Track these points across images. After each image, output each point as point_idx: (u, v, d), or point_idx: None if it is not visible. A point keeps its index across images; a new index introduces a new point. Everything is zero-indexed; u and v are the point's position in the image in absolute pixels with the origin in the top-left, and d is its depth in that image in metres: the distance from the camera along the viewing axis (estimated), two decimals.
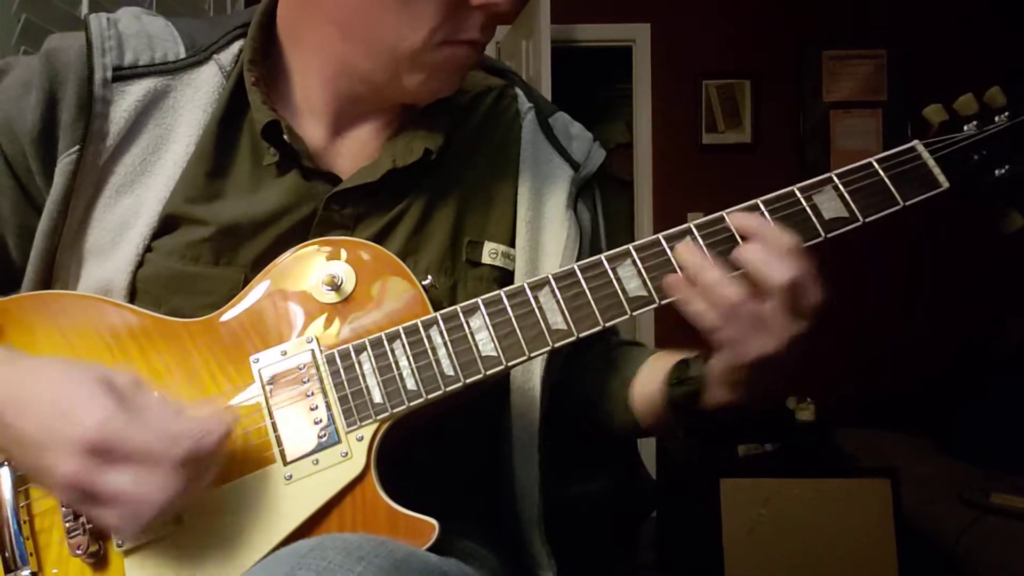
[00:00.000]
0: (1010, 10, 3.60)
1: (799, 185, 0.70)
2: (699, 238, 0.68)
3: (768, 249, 0.65)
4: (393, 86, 0.77)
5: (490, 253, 0.82)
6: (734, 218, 0.68)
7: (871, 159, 0.70)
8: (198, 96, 0.78)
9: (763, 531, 2.40)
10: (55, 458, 0.57)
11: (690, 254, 0.67)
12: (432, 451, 0.78)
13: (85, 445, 0.57)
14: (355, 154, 0.81)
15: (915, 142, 0.72)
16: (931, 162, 0.71)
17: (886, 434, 3.11)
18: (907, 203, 0.70)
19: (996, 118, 0.71)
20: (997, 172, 0.71)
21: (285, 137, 0.76)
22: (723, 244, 0.68)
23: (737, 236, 0.68)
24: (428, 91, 0.78)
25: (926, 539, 2.41)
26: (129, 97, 0.75)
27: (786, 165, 3.74)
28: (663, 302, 0.68)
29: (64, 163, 0.73)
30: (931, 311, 3.73)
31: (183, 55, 0.78)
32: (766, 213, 0.69)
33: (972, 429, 2.87)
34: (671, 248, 0.69)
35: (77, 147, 0.73)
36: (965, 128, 0.72)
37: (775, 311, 0.64)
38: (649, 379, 0.82)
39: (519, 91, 0.92)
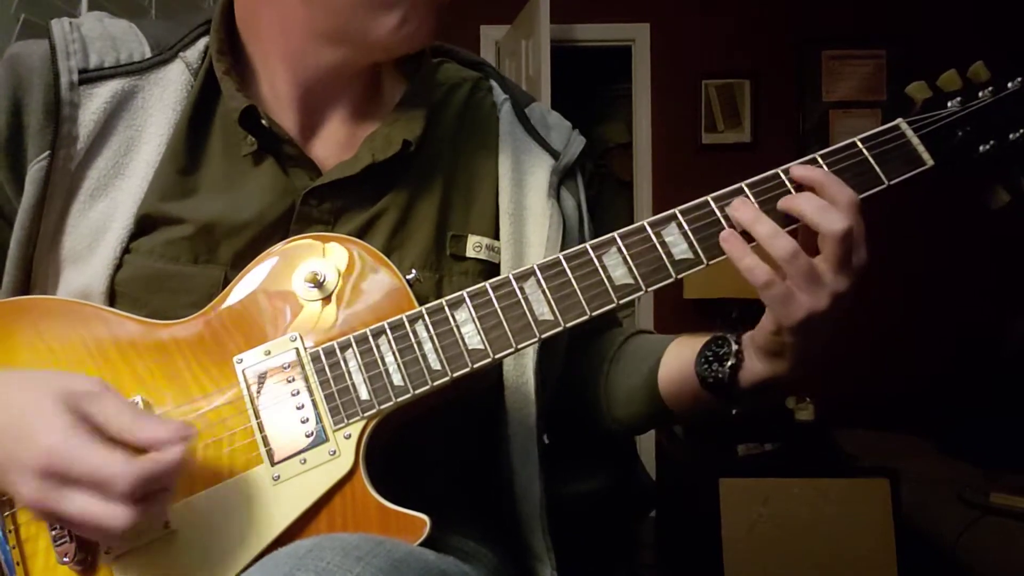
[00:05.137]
0: (1010, 10, 3.60)
1: (783, 167, 0.69)
2: (750, 195, 0.68)
3: (826, 198, 0.65)
4: (367, 40, 0.75)
5: (474, 246, 0.81)
6: (795, 171, 0.68)
7: (855, 139, 0.70)
8: (166, 95, 0.77)
9: (763, 531, 2.40)
10: (16, 480, 0.57)
11: (744, 208, 0.67)
12: (428, 449, 0.78)
13: (37, 470, 0.56)
14: (330, 145, 0.81)
15: (899, 120, 0.71)
16: (915, 140, 0.70)
17: (886, 434, 3.11)
18: (892, 182, 0.69)
19: (980, 93, 0.71)
20: (982, 148, 0.70)
21: (264, 122, 0.76)
22: (770, 203, 0.68)
23: (791, 188, 0.68)
24: (405, 36, 0.75)
25: (926, 539, 2.41)
26: (97, 99, 0.74)
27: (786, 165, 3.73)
28: (649, 289, 0.68)
29: (34, 170, 0.72)
30: (931, 311, 3.73)
31: (148, 55, 0.78)
32: (750, 195, 0.68)
33: (972, 429, 2.87)
34: (656, 233, 0.68)
35: (47, 153, 0.72)
36: (949, 105, 0.71)
37: (827, 264, 0.64)
38: (678, 361, 0.80)
39: (494, 83, 0.91)
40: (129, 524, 0.56)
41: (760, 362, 0.71)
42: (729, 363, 0.73)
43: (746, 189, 0.69)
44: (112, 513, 0.56)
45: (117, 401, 0.60)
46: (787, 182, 0.69)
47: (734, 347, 0.73)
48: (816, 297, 0.64)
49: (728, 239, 0.66)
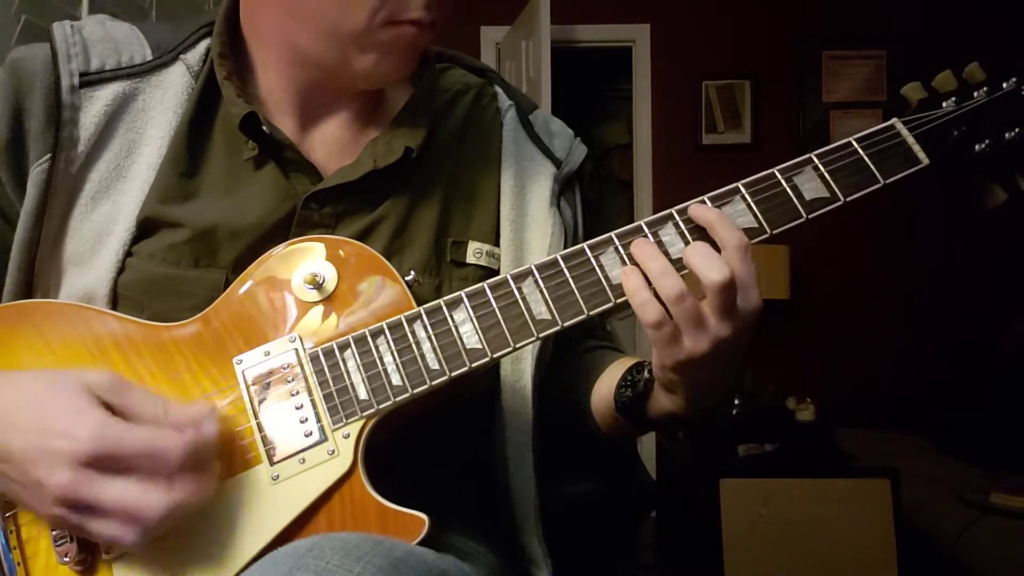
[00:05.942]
0: (1010, 10, 3.60)
1: (779, 167, 0.69)
2: (680, 223, 0.68)
3: (711, 247, 0.65)
4: (345, 69, 0.76)
5: (475, 253, 0.82)
6: (693, 209, 0.68)
7: (850, 138, 0.70)
8: (167, 97, 0.78)
9: (763, 531, 2.40)
10: (46, 473, 0.57)
11: (642, 245, 0.67)
12: (426, 449, 0.78)
13: (81, 458, 0.57)
14: (329, 147, 0.81)
15: (894, 120, 0.71)
16: (910, 139, 0.70)
17: (886, 434, 3.11)
18: (887, 181, 0.69)
19: (975, 93, 0.71)
20: (977, 147, 0.70)
21: (265, 128, 0.76)
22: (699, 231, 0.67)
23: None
24: (381, 74, 0.77)
25: (926, 539, 2.40)
26: (98, 102, 0.75)
27: None
28: None
29: (36, 173, 0.73)
30: (931, 311, 3.73)
31: (150, 57, 0.78)
32: (747, 195, 0.68)
33: (972, 429, 2.87)
34: (653, 233, 0.68)
35: (48, 156, 0.72)
36: (944, 105, 0.71)
37: (710, 310, 0.63)
38: (606, 383, 0.81)
39: (499, 89, 0.91)
40: (165, 511, 0.58)
41: (662, 395, 0.72)
42: (636, 391, 0.74)
43: (742, 189, 0.69)
44: (150, 498, 0.57)
45: (141, 391, 0.63)
46: (786, 187, 0.68)
47: (645, 375, 0.74)
48: (697, 340, 0.64)
49: (628, 273, 0.66)
